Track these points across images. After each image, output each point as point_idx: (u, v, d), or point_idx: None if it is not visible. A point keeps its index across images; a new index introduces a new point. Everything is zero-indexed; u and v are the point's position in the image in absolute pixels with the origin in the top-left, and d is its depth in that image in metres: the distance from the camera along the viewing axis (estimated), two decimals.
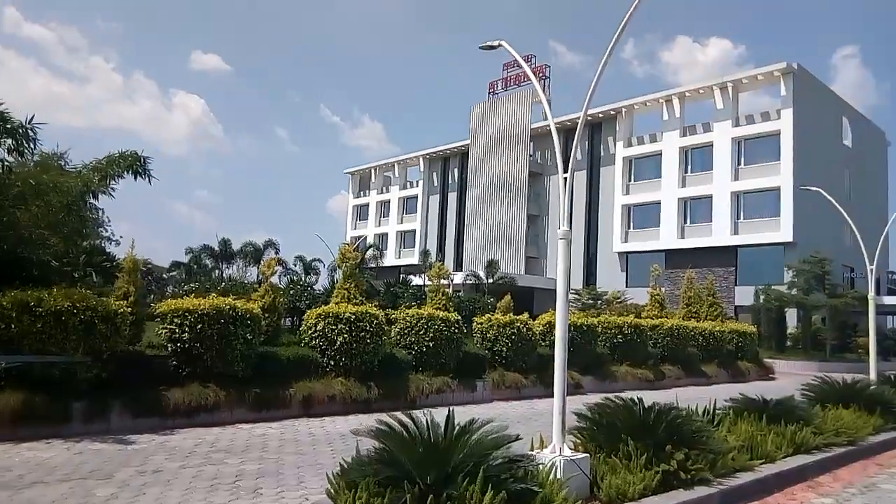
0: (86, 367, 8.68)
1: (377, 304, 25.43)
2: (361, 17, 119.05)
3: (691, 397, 10.97)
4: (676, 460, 6.07)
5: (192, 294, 14.37)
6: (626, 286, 44.63)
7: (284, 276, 33.86)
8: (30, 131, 9.22)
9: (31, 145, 9.39)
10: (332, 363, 11.61)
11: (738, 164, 41.87)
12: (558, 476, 5.33)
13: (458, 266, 56.91)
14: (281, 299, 12.94)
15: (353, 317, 11.69)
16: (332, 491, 4.78)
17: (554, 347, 16.21)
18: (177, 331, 9.83)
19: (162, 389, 9.41)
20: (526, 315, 15.67)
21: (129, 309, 9.73)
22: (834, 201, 16.03)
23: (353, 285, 13.47)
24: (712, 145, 43.04)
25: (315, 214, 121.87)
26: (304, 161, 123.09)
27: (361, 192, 72.01)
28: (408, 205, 66.68)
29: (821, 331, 37.72)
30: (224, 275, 37.96)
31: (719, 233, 41.99)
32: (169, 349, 9.94)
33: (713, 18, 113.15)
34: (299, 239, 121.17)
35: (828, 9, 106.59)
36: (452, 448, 4.71)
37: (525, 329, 15.14)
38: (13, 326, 8.23)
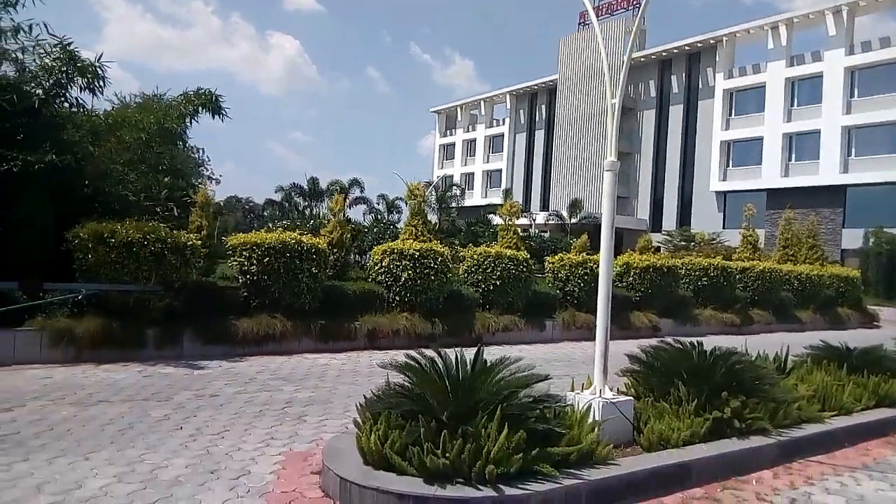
0: (158, 296, 9.13)
1: (457, 242, 25.51)
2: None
3: (775, 343, 10.30)
4: (731, 407, 5.68)
5: (281, 230, 14.84)
6: (724, 227, 42.55)
7: (369, 214, 34.50)
8: (99, 69, 9.52)
9: (102, 83, 9.70)
10: (398, 298, 11.71)
11: (852, 96, 38.23)
12: (596, 418, 5.11)
13: (545, 206, 55.95)
14: (348, 235, 13.08)
15: (418, 253, 11.67)
16: (358, 421, 4.79)
17: (630, 289, 15.70)
18: (245, 263, 10.14)
19: (232, 319, 9.81)
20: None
21: (200, 242, 10.08)
22: None
23: (420, 222, 13.43)
24: (822, 76, 39.40)
25: (406, 155, 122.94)
26: (396, 101, 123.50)
27: (448, 131, 71.49)
28: (494, 143, 65.73)
29: None
30: (314, 212, 39.18)
31: (827, 171, 38.89)
32: (239, 281, 10.30)
33: None
34: (392, 179, 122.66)
35: None
36: (476, 385, 4.57)
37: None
38: (90, 256, 8.72)
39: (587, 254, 15.06)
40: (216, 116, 12.70)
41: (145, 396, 6.71)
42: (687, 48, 47.67)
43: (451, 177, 68.47)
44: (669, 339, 6.93)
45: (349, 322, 10.94)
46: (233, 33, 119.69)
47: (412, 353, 4.91)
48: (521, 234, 36.46)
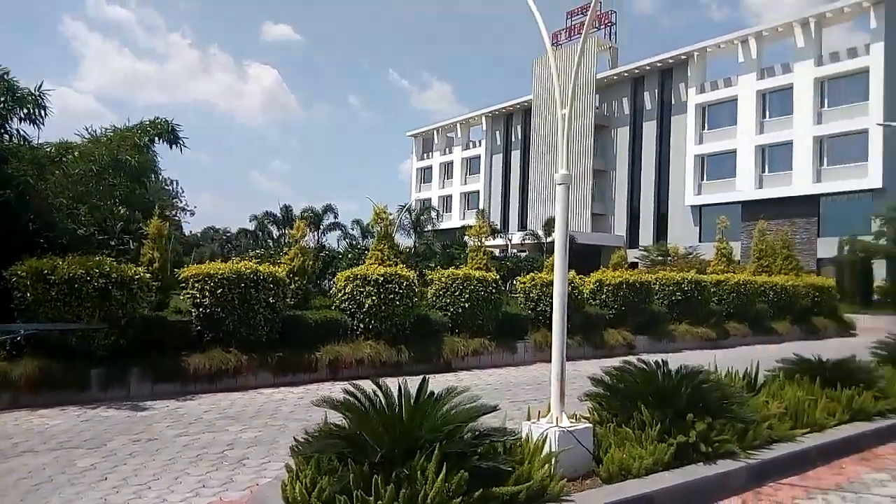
0: (103, 333, 8.66)
1: (433, 265, 25.17)
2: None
3: (752, 357, 10.01)
4: (697, 431, 5.36)
5: (255, 259, 14.44)
6: (700, 241, 42.68)
7: (343, 239, 34.11)
8: (39, 99, 9.14)
9: (44, 113, 9.31)
10: (362, 326, 11.32)
11: (822, 106, 38.76)
12: (553, 449, 4.76)
13: (523, 226, 55.87)
14: (310, 262, 12.70)
15: (382, 278, 11.31)
16: (291, 466, 4.40)
17: (604, 306, 15.41)
18: (198, 296, 9.72)
19: (183, 355, 9.35)
20: (572, 273, 14.90)
21: (150, 275, 9.65)
22: None
23: (386, 246, 13.09)
24: (792, 87, 39.97)
25: (387, 180, 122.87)
26: (376, 127, 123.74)
27: (425, 155, 71.54)
28: (471, 165, 65.86)
29: None
30: (288, 240, 38.67)
31: (800, 181, 39.25)
32: (192, 314, 9.87)
33: None
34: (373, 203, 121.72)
35: None
36: (416, 421, 4.21)
37: (570, 287, 14.39)
38: (29, 294, 8.27)
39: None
40: (174, 146, 12.34)
41: (76, 444, 6.25)
42: (659, 65, 48.20)
43: (430, 200, 68.41)
44: (637, 359, 6.63)
45: (310, 353, 10.51)
46: (211, 65, 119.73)
47: (352, 386, 4.54)
48: (498, 254, 36.34)
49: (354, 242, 32.67)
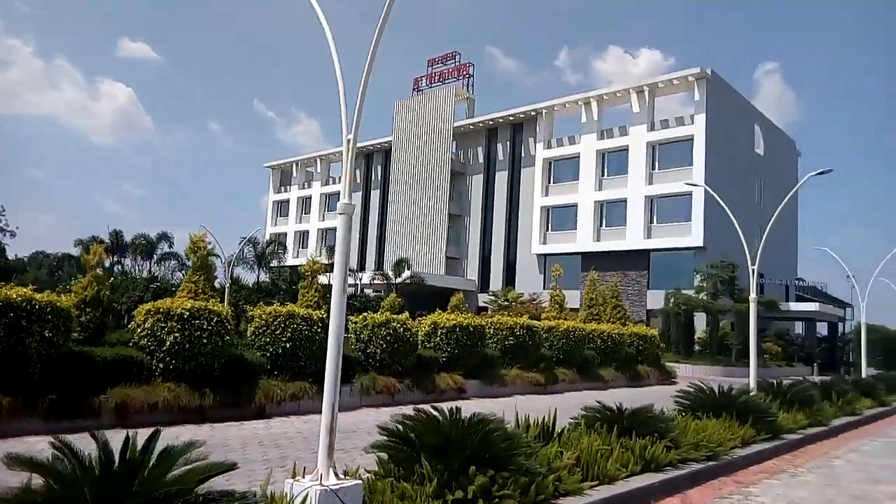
0: None
1: (276, 301, 23.96)
2: (297, 12, 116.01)
3: (579, 402, 10.08)
4: (477, 485, 5.06)
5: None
6: (544, 288, 44.40)
7: (179, 270, 31.84)
8: None
9: None
10: (161, 366, 10.21)
11: (653, 168, 42.25)
12: None
13: (380, 265, 55.55)
14: (106, 292, 11.40)
15: (188, 313, 10.31)
16: None
17: (438, 349, 15.20)
18: None
19: None
20: (405, 315, 14.62)
21: None
22: (719, 198, 15.68)
23: (202, 278, 12.10)
24: (628, 149, 43.30)
25: (247, 211, 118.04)
26: (238, 156, 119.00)
27: (283, 188, 69.65)
28: (330, 201, 64.85)
29: (728, 335, 38.30)
30: (117, 268, 35.54)
31: (633, 236, 42.24)
32: None
33: (644, 31, 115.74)
34: (231, 235, 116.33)
35: (750, 25, 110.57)
36: (128, 485, 3.51)
37: (403, 329, 14.05)
38: None
39: (389, 314, 14.41)
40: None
41: None
42: (511, 118, 50.46)
43: (285, 234, 66.39)
44: (475, 404, 6.29)
45: (93, 395, 9.26)
46: (58, 77, 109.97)
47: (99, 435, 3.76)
48: (353, 293, 35.56)
49: None
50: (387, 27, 4.92)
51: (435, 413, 5.92)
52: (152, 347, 10.25)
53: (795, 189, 15.13)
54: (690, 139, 40.43)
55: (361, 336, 13.84)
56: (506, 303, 40.79)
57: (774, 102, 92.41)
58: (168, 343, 10.14)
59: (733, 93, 44.59)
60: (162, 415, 9.70)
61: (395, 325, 13.88)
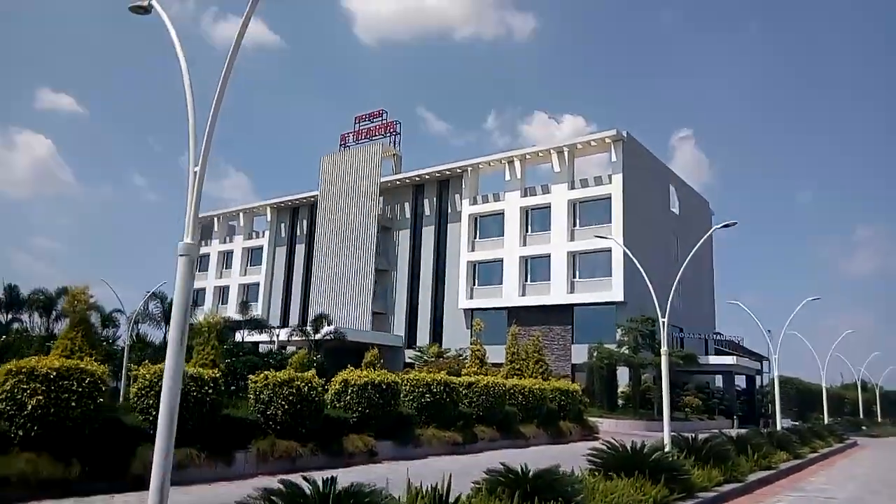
0: None
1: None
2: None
3: (498, 460, 9.43)
4: None
5: None
6: (479, 344, 43.92)
7: None
8: None
9: None
10: (21, 433, 9.04)
11: (574, 225, 43.07)
12: None
13: (304, 321, 53.86)
14: None
15: (55, 373, 9.25)
16: None
17: (348, 409, 14.34)
18: None
19: None
20: (311, 372, 13.78)
21: None
22: (634, 254, 15.79)
23: (79, 335, 11.01)
24: (550, 206, 44.10)
25: (170, 267, 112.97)
26: (164, 210, 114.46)
27: (204, 241, 67.31)
28: (252, 256, 63.06)
29: (651, 389, 38.61)
30: (14, 325, 32.91)
31: (557, 291, 42.59)
32: None
33: (568, 98, 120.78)
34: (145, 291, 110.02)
35: (666, 94, 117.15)
36: None
37: (308, 388, 13.18)
38: None
39: (293, 372, 13.54)
40: None
41: None
42: (438, 175, 50.80)
43: (204, 290, 63.86)
44: (386, 467, 5.59)
45: None
46: None
47: None
48: (264, 351, 34.02)
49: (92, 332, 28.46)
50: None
51: (305, 484, 5.23)
52: (12, 412, 9.10)
53: (702, 240, 15.41)
54: (608, 198, 41.56)
55: (261, 396, 12.89)
56: (432, 358, 40.07)
57: (690, 166, 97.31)
58: (30, 407, 9.03)
59: (648, 154, 46.43)
60: (17, 490, 8.52)
61: (299, 383, 13.02)
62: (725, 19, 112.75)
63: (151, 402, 10.87)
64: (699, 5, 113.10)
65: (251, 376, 13.42)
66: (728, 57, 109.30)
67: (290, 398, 12.84)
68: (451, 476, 6.79)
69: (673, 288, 14.90)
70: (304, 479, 5.36)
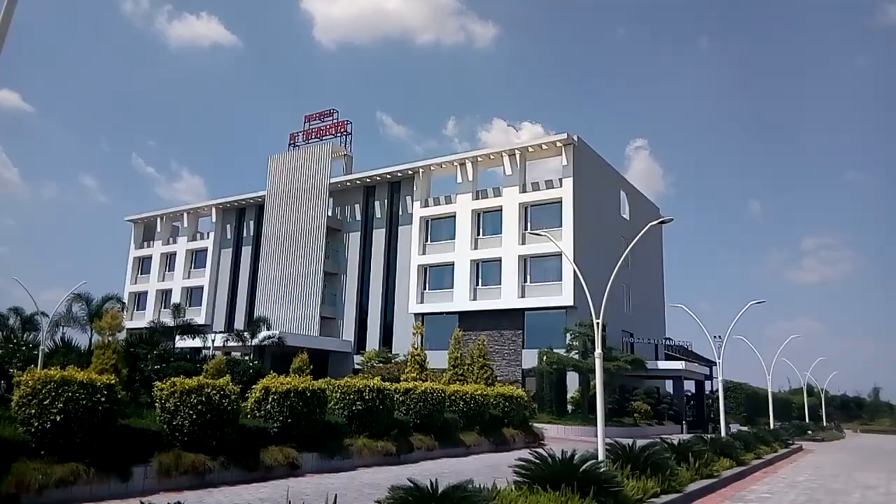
0: None
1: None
2: (180, 67, 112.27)
3: (436, 472, 8.60)
4: None
5: None
6: (421, 348, 43.00)
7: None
8: None
9: None
10: None
11: (525, 228, 42.58)
12: None
13: (250, 325, 52.11)
14: None
15: None
16: None
17: (269, 418, 13.29)
18: None
19: None
20: (226, 379, 12.72)
21: None
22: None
23: None
24: (502, 209, 43.58)
25: (118, 269, 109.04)
26: (114, 212, 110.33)
27: (146, 243, 64.83)
28: (196, 258, 60.94)
29: None
30: None
31: (508, 295, 42.04)
32: None
33: (527, 107, 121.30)
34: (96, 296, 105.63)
35: (622, 104, 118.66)
36: None
37: (219, 396, 12.11)
38: None
39: (203, 378, 12.46)
40: None
41: None
42: (389, 176, 49.84)
43: (146, 292, 61.51)
44: (313, 481, 4.64)
45: None
46: None
47: None
48: (197, 356, 32.42)
49: (13, 335, 26.70)
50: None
51: None
52: None
53: (637, 238, 15.15)
54: (559, 201, 41.22)
55: (167, 405, 11.77)
56: (379, 363, 39.07)
57: (644, 174, 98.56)
58: None
59: (600, 160, 46.35)
60: None
61: (209, 391, 11.94)
62: (678, 33, 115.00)
63: (33, 411, 9.71)
64: (653, 20, 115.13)
65: (157, 383, 12.28)
66: (681, 69, 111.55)
67: (199, 407, 11.76)
68: (336, 497, 5.91)
69: (607, 289, 14.35)
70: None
